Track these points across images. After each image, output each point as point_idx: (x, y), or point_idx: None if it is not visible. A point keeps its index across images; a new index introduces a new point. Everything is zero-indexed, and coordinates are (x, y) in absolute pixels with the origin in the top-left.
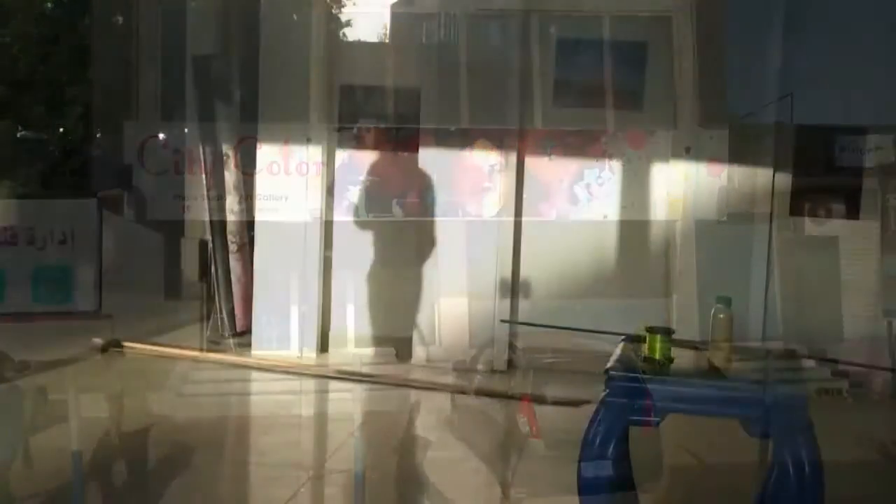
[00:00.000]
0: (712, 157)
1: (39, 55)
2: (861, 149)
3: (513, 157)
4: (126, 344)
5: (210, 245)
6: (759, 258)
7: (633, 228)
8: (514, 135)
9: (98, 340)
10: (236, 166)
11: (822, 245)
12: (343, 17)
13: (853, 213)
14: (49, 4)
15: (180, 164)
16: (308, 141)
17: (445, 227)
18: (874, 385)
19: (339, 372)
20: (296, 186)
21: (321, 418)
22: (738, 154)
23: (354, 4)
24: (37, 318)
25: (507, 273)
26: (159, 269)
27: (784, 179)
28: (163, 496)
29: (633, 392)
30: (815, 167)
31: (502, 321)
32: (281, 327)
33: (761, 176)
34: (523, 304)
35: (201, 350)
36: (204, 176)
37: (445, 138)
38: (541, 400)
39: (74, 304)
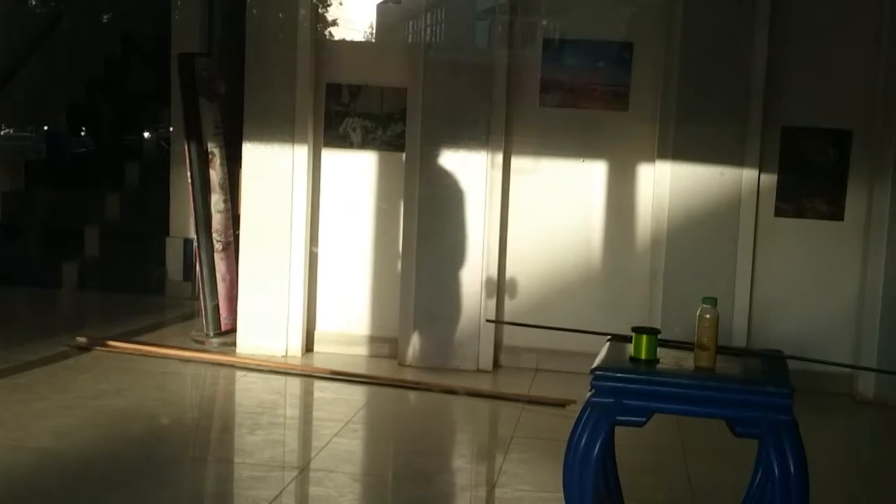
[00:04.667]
0: (698, 156)
1: None
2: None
3: (499, 157)
4: (110, 342)
5: (195, 243)
6: (745, 258)
7: (619, 228)
8: (501, 133)
9: (82, 339)
10: (221, 164)
11: (807, 245)
12: (329, 17)
13: (838, 213)
14: None
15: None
16: (294, 138)
17: (431, 226)
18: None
19: (325, 371)
20: (282, 184)
21: (306, 417)
22: (723, 153)
23: (341, 4)
24: None
25: (494, 272)
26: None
27: (769, 179)
28: (146, 496)
29: (618, 392)
30: (801, 167)
31: (488, 321)
32: (266, 326)
33: (746, 176)
34: (509, 304)
35: (186, 349)
36: (189, 174)
37: (432, 137)
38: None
39: None
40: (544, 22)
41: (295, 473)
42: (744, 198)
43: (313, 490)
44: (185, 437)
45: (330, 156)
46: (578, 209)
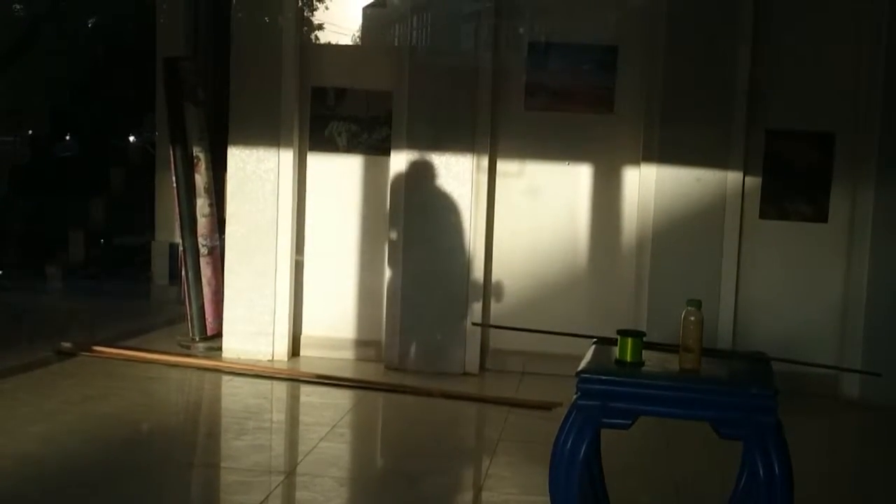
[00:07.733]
0: (683, 159)
1: None
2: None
3: (485, 160)
4: (95, 348)
5: (180, 248)
6: (729, 260)
7: (605, 231)
8: (487, 136)
9: (66, 344)
10: (207, 168)
11: (791, 247)
12: (314, 20)
13: (822, 215)
14: None
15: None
16: (279, 142)
17: (417, 230)
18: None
19: (311, 375)
20: (267, 188)
21: (293, 422)
22: (708, 156)
23: (327, 8)
24: None
25: (480, 275)
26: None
27: (754, 182)
28: (131, 502)
29: (604, 395)
30: (785, 170)
31: (474, 324)
32: (252, 330)
33: (731, 178)
34: (495, 307)
35: (171, 354)
36: (174, 178)
37: (417, 140)
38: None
39: None
40: (529, 25)
41: (281, 478)
42: (728, 200)
43: (300, 495)
44: (171, 443)
45: (315, 159)
46: (564, 212)
